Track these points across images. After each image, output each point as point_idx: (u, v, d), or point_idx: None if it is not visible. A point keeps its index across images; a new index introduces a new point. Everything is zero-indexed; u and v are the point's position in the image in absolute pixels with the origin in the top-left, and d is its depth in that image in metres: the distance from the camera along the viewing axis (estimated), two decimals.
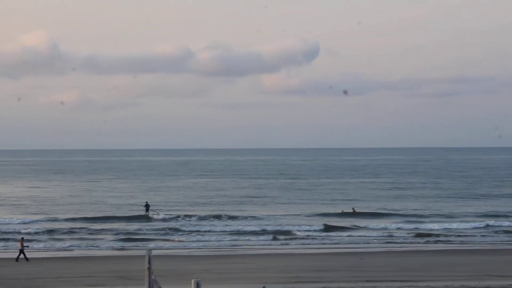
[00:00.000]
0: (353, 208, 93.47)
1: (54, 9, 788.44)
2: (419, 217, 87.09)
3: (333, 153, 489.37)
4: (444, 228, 76.45)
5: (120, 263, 50.46)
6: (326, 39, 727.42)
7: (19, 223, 79.93)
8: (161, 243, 66.01)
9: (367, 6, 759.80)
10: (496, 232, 74.15)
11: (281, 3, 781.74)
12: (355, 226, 77.98)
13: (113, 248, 63.37)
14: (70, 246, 64.16)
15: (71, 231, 73.34)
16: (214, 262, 51.31)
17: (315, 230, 75.04)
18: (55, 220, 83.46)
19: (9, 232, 71.80)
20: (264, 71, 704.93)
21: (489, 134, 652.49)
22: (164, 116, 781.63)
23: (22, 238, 54.63)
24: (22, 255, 51.87)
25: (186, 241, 67.60)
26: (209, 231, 74.46)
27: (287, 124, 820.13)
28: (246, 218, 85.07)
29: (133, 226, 78.09)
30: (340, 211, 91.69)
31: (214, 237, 69.86)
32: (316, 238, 70.16)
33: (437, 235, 71.21)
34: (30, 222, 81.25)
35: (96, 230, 74.60)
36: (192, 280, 16.52)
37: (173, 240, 68.54)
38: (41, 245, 64.43)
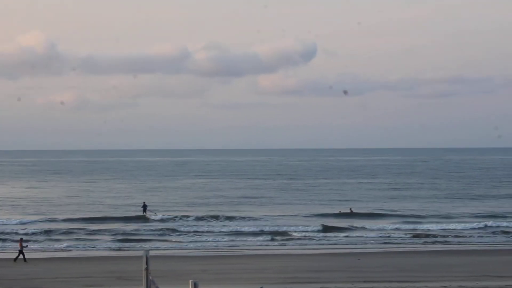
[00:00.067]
0: (350, 209, 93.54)
1: (52, 9, 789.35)
2: (416, 217, 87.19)
3: (331, 153, 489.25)
4: (442, 229, 76.52)
5: (118, 263, 50.44)
6: (326, 39, 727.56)
7: (16, 224, 79.89)
8: (158, 244, 65.99)
9: (367, 6, 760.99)
10: (493, 232, 74.25)
11: (281, 3, 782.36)
12: (352, 226, 78.03)
13: (111, 249, 63.40)
14: (68, 246, 64.15)
15: (68, 232, 73.37)
16: (211, 262, 51.32)
17: (312, 231, 75.09)
18: (52, 220, 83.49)
19: (7, 233, 71.78)
20: (261, 72, 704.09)
21: (488, 134, 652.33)
22: (163, 117, 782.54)
23: (21, 239, 54.38)
24: (21, 256, 51.73)
25: (183, 242, 67.61)
26: (206, 231, 74.47)
27: (284, 124, 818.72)
28: (243, 218, 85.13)
29: (131, 227, 78.11)
30: (338, 212, 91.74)
31: (211, 238, 69.88)
32: (313, 239, 70.20)
33: (435, 236, 71.28)
34: (28, 222, 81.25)
35: (93, 230, 74.57)
36: (190, 281, 16.52)
37: (170, 241, 68.55)
38: (38, 245, 64.40)
